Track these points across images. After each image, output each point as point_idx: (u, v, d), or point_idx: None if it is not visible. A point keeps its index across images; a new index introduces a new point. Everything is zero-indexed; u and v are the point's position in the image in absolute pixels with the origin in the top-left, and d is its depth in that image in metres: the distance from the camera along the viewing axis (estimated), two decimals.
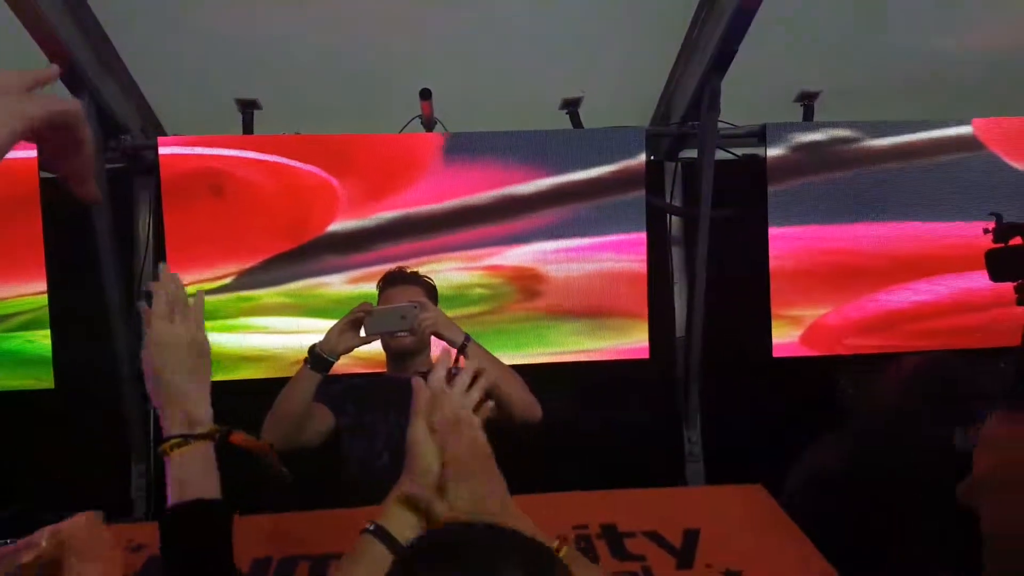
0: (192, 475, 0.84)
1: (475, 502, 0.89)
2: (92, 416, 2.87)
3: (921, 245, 3.10)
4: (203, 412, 0.89)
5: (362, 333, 1.75)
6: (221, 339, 2.84)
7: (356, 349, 1.76)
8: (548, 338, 3.01)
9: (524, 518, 0.90)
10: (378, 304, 1.88)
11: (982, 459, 0.77)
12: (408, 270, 2.00)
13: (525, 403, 1.76)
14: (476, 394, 0.95)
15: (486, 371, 0.96)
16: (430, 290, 1.95)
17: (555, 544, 0.86)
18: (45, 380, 2.79)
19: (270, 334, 2.90)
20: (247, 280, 2.87)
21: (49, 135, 0.63)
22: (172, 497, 0.84)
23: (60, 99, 0.64)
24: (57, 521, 1.12)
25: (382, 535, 0.89)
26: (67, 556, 0.91)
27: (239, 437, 0.91)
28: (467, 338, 1.79)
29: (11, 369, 2.81)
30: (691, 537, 1.12)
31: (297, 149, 2.87)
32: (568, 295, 3.00)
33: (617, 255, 3.00)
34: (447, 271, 2.93)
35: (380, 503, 0.93)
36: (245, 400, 1.64)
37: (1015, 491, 0.73)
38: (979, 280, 2.53)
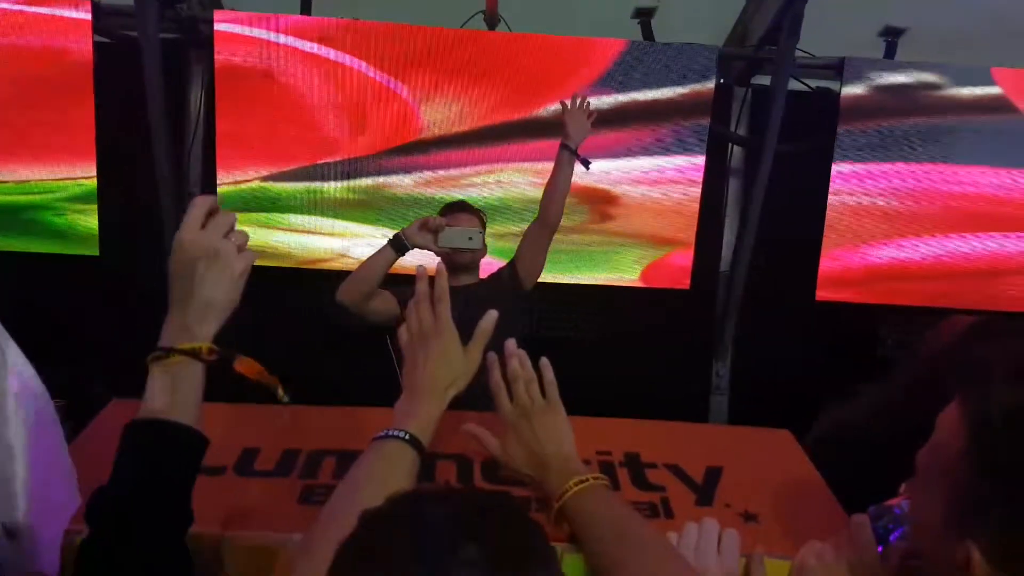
0: (162, 392, 0.78)
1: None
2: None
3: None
4: (202, 329, 0.80)
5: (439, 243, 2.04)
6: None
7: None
8: (612, 261, 3.02)
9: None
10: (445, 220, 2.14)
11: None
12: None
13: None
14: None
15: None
16: (483, 221, 2.25)
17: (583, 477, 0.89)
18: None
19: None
20: (313, 171, 2.87)
21: None
22: (140, 411, 0.78)
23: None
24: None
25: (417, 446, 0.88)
26: None
27: (245, 365, 0.82)
28: None
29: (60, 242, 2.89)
30: (713, 475, 1.11)
31: (357, 38, 2.76)
32: (631, 220, 2.97)
33: (678, 181, 2.93)
34: (517, 184, 2.91)
35: None
36: None
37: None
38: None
